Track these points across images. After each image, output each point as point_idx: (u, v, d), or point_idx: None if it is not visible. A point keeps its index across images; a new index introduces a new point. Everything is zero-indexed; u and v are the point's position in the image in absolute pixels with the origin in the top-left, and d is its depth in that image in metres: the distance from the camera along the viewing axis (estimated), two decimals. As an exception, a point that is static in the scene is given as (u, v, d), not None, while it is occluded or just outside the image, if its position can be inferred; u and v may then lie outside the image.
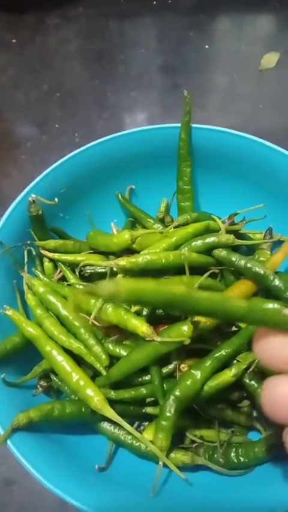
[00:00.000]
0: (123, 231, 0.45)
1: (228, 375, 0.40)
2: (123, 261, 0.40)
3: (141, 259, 0.40)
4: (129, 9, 0.92)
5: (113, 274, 0.43)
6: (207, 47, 0.85)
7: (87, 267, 0.45)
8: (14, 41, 0.88)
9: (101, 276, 0.45)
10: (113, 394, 0.41)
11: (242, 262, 0.42)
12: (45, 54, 0.87)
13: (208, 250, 0.44)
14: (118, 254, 0.46)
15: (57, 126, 0.77)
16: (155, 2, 0.91)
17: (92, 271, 0.45)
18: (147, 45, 0.88)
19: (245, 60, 0.83)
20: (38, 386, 0.44)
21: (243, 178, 0.52)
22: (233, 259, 0.42)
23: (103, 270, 0.44)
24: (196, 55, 0.85)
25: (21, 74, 0.85)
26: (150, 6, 0.91)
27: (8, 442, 0.38)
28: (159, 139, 0.53)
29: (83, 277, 0.48)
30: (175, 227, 0.47)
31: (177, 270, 0.42)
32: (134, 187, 0.55)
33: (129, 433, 0.43)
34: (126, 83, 0.83)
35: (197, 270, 0.43)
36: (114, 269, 0.41)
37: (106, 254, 0.48)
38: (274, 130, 0.74)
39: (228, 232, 0.46)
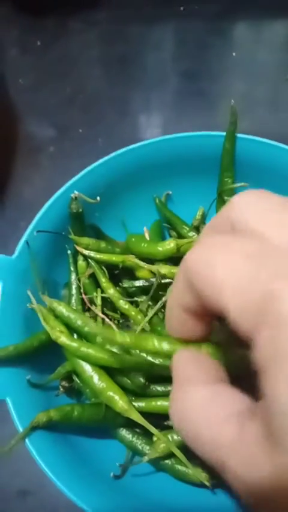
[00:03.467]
0: (169, 239, 0.44)
1: None
2: (164, 270, 0.39)
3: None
4: (152, 14, 0.90)
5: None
6: (233, 54, 0.84)
7: (125, 282, 0.46)
8: (36, 46, 0.87)
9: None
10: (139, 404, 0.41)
11: None
12: (67, 59, 0.86)
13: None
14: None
15: (80, 131, 0.76)
16: (182, 8, 0.89)
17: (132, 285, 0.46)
18: (169, 51, 0.87)
19: (269, 67, 0.82)
20: (60, 387, 0.43)
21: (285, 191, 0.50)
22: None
23: (140, 284, 0.45)
24: (219, 61, 0.84)
25: (43, 78, 0.84)
26: (174, 11, 0.90)
27: (27, 440, 0.38)
28: (199, 147, 0.52)
29: (113, 277, 0.48)
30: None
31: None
32: (170, 192, 0.55)
33: (146, 443, 0.42)
34: (147, 88, 0.82)
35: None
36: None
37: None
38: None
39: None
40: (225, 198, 0.49)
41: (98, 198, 0.45)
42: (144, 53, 0.87)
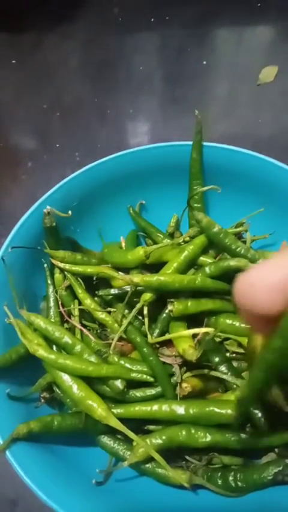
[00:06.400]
0: (137, 247, 0.46)
1: None
2: (137, 279, 0.41)
3: (155, 279, 0.41)
4: (128, 25, 0.93)
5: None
6: (205, 62, 0.86)
7: (101, 290, 0.47)
8: (13, 61, 0.89)
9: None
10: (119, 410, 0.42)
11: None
12: (45, 71, 0.88)
13: (222, 275, 0.44)
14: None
15: (57, 144, 0.77)
16: (152, 19, 0.92)
17: (108, 293, 0.47)
18: (147, 59, 0.89)
19: (244, 71, 0.84)
20: (41, 398, 0.44)
21: (256, 196, 0.52)
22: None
23: (115, 292, 0.46)
24: (195, 67, 0.86)
25: (21, 91, 0.85)
26: (148, 23, 0.92)
27: (7, 453, 0.39)
28: (170, 156, 0.53)
29: (91, 286, 0.49)
30: (185, 241, 0.48)
31: (191, 293, 0.42)
32: (144, 202, 0.56)
33: (128, 448, 0.43)
34: (126, 97, 0.83)
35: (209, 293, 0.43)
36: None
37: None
38: (272, 141, 0.74)
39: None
40: (194, 205, 0.50)
41: (70, 212, 0.46)
42: (121, 63, 0.88)
